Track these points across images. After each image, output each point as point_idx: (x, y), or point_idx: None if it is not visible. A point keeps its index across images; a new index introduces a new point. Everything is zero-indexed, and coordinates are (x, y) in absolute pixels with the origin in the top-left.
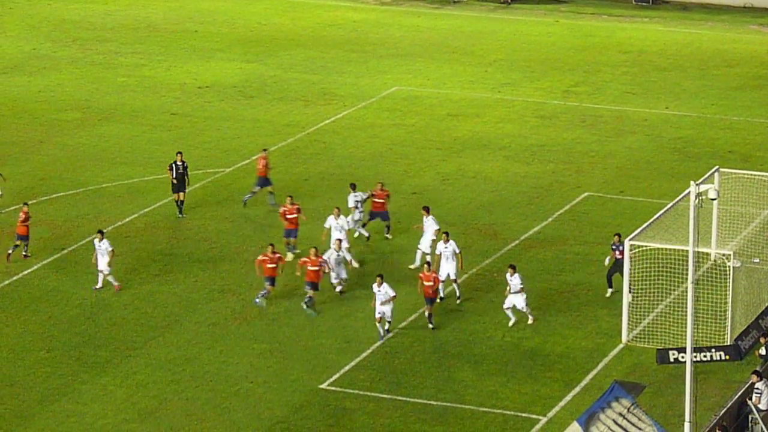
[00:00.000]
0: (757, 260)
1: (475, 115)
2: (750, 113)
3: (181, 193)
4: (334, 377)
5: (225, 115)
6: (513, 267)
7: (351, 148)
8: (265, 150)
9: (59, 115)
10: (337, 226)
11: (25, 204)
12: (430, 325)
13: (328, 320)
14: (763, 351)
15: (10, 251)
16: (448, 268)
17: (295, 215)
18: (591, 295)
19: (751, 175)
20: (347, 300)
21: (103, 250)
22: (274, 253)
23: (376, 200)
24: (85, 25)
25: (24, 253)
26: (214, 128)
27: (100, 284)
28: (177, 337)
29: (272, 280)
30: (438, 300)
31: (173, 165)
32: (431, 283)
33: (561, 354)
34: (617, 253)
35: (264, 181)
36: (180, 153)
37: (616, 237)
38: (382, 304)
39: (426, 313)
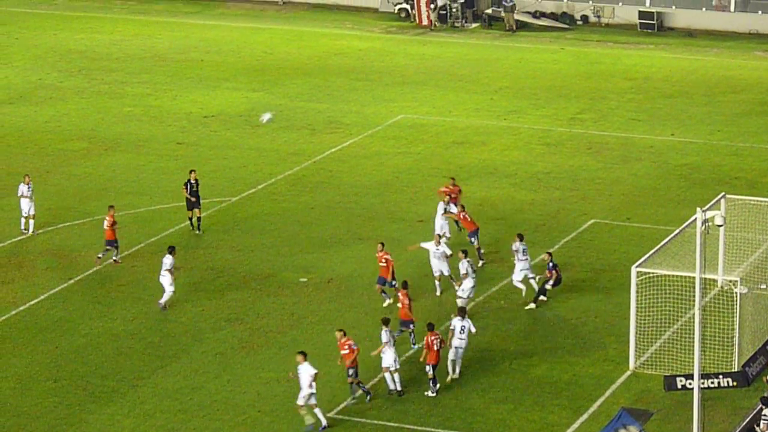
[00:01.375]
0: (764, 286)
1: (481, 143)
2: (756, 139)
3: (197, 210)
4: (342, 406)
5: (231, 144)
6: (520, 236)
7: (357, 177)
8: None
9: (65, 145)
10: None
11: (111, 207)
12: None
13: (335, 349)
14: None
15: (100, 255)
16: (440, 266)
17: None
18: (598, 322)
19: (758, 201)
20: (355, 327)
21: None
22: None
23: (451, 197)
24: (90, 55)
25: (114, 259)
26: (220, 157)
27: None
28: (184, 366)
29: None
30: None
31: (188, 183)
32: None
33: (568, 381)
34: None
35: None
36: (193, 171)
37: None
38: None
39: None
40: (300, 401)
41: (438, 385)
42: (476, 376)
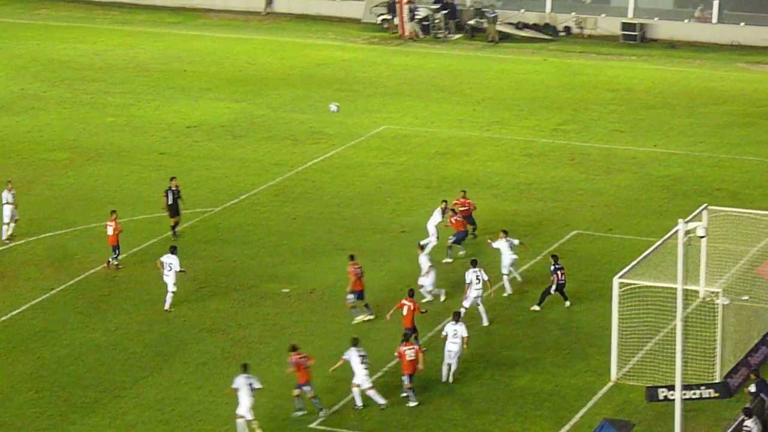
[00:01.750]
0: (746, 297)
1: (463, 154)
2: (738, 151)
3: (177, 217)
4: (321, 419)
5: (213, 154)
6: (505, 232)
7: (339, 187)
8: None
9: (48, 155)
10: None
11: (113, 212)
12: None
13: (318, 359)
14: (752, 388)
15: (110, 259)
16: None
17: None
18: (580, 333)
19: (740, 212)
20: (338, 338)
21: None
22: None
23: (461, 208)
24: (73, 65)
25: (115, 264)
26: (202, 167)
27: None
28: (166, 377)
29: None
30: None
31: (169, 190)
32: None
33: (551, 392)
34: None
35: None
36: (174, 178)
37: (553, 258)
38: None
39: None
40: (247, 415)
41: (413, 399)
42: (458, 387)
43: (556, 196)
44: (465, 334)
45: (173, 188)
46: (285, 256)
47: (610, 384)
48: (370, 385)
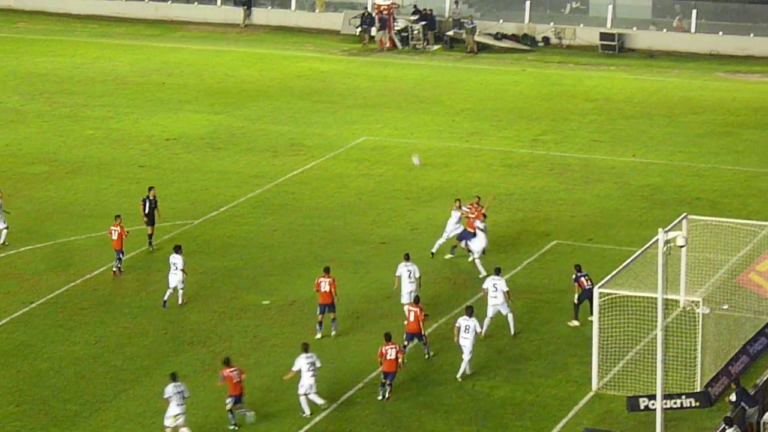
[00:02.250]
0: (725, 306)
1: (443, 165)
2: (717, 160)
3: (150, 226)
4: (305, 428)
5: (193, 166)
6: (484, 215)
7: (319, 199)
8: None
9: (27, 168)
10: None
11: (118, 217)
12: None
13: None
14: (733, 397)
15: (114, 269)
16: (409, 290)
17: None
18: (561, 343)
19: (719, 221)
20: (318, 350)
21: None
22: None
23: (470, 217)
24: (52, 78)
25: (115, 269)
26: (182, 180)
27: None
28: (147, 389)
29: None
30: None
31: (146, 199)
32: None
33: (532, 402)
34: (582, 282)
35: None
36: (152, 188)
37: (576, 268)
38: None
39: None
40: (167, 422)
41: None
42: (439, 398)
43: (536, 207)
44: (479, 330)
45: (150, 198)
46: (265, 268)
47: (591, 394)
48: (314, 391)
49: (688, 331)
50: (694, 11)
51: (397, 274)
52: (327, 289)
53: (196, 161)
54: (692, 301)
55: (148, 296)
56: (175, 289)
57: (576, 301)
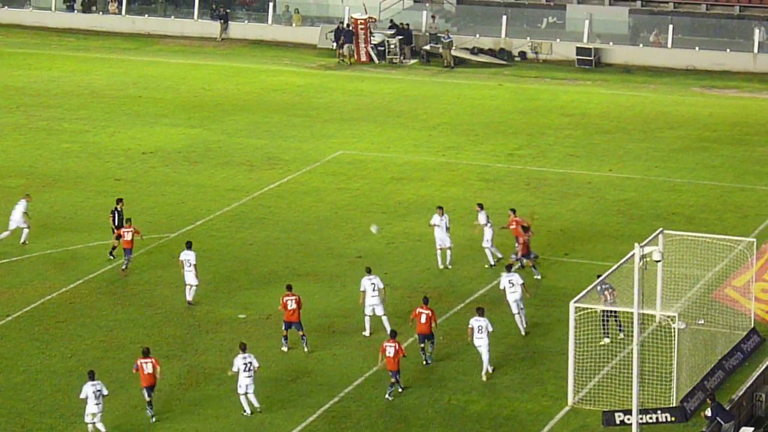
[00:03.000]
0: (701, 321)
1: (419, 179)
2: (693, 175)
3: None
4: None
5: (169, 180)
6: (480, 205)
7: (296, 213)
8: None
9: (3, 181)
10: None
11: (129, 220)
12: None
13: (274, 385)
14: (708, 412)
15: (123, 267)
16: (373, 302)
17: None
18: (536, 358)
19: (695, 236)
20: (293, 363)
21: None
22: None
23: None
24: (28, 91)
25: (124, 267)
26: (158, 193)
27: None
28: (122, 403)
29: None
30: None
31: (115, 211)
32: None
33: (507, 417)
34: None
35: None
36: (121, 200)
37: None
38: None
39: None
40: (87, 418)
41: (393, 390)
42: (415, 412)
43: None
44: (490, 329)
45: (119, 209)
46: (241, 282)
47: (567, 408)
48: (252, 390)
49: (664, 346)
50: (671, 26)
51: (362, 288)
52: (294, 307)
53: (173, 175)
54: (668, 316)
55: (123, 310)
56: (190, 285)
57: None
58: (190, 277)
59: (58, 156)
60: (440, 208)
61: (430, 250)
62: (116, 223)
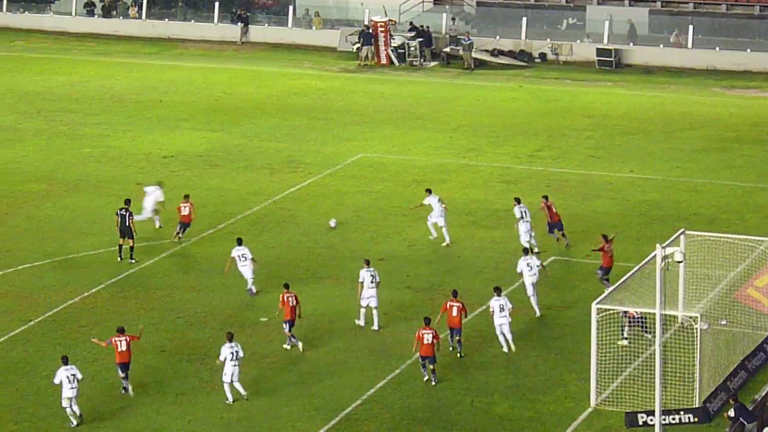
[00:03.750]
0: (724, 322)
1: (440, 181)
2: (715, 175)
3: (130, 240)
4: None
5: (190, 184)
6: (517, 199)
7: (317, 216)
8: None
9: (25, 186)
10: None
11: (186, 196)
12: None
13: (297, 388)
14: (731, 413)
15: (179, 234)
16: (370, 294)
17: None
18: (559, 359)
19: (717, 237)
20: (316, 367)
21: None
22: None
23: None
24: (49, 96)
25: (181, 235)
26: (179, 198)
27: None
28: (145, 407)
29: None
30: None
31: (122, 212)
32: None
33: (530, 419)
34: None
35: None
36: (129, 200)
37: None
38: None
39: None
40: (64, 402)
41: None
42: (437, 414)
43: (533, 223)
44: (510, 306)
45: (126, 211)
46: (263, 285)
47: (590, 410)
48: (237, 379)
49: (687, 347)
50: (691, 27)
51: (360, 279)
52: (294, 303)
53: (194, 179)
54: (690, 317)
55: (146, 314)
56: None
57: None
58: (247, 272)
59: (79, 161)
60: (428, 190)
61: (452, 251)
62: (121, 225)
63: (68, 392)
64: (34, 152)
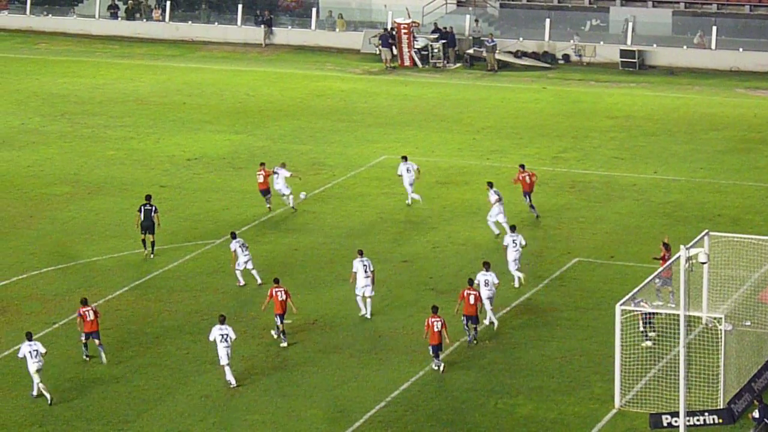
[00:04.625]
0: (748, 323)
1: (464, 183)
2: (738, 176)
3: (150, 235)
4: None
5: (214, 186)
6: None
7: (340, 218)
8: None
9: (49, 189)
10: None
11: (262, 164)
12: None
13: (321, 390)
14: (756, 414)
15: (269, 206)
16: (364, 284)
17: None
18: (583, 361)
19: (741, 238)
20: (340, 368)
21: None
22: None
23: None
24: (73, 99)
25: (268, 206)
26: (203, 200)
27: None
28: (169, 409)
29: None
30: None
31: (145, 208)
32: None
33: (554, 420)
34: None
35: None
36: (150, 196)
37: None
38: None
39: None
40: (35, 378)
41: (441, 363)
42: (462, 416)
43: (558, 224)
44: (496, 281)
45: (149, 206)
46: (286, 287)
47: (614, 411)
48: (228, 362)
49: (711, 348)
50: (714, 28)
51: (354, 269)
52: (284, 298)
53: (218, 181)
54: (714, 318)
55: (170, 317)
56: (245, 270)
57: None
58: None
59: (103, 163)
60: (404, 157)
61: (475, 253)
62: (144, 221)
63: (33, 366)
64: (58, 155)
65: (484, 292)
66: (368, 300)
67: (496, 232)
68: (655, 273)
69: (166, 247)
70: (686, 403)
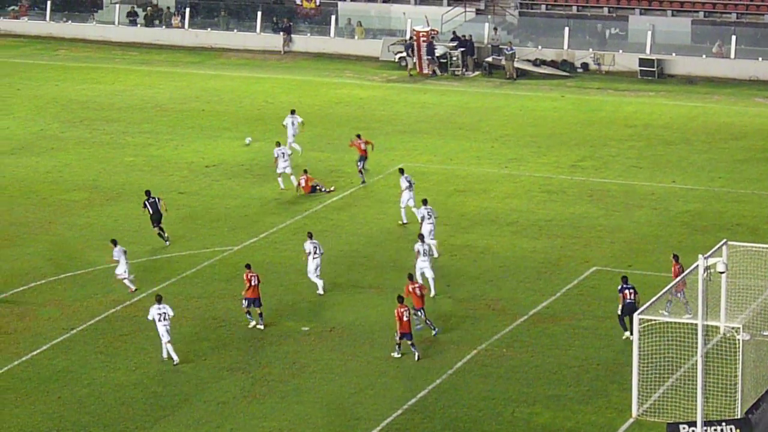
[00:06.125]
0: (766, 333)
1: (482, 191)
2: (757, 186)
3: (160, 225)
4: None
5: (232, 193)
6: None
7: (359, 225)
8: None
9: (67, 195)
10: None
11: (305, 171)
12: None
13: (338, 397)
14: None
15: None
16: (315, 264)
17: None
18: (600, 370)
19: (760, 247)
20: (357, 376)
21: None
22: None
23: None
24: (92, 105)
25: (326, 190)
26: (222, 206)
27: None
28: (186, 416)
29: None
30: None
31: (150, 202)
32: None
33: (571, 429)
34: (626, 294)
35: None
36: (149, 192)
37: (622, 279)
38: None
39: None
40: None
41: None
42: (479, 425)
43: (576, 233)
44: (435, 254)
45: (154, 199)
46: (304, 294)
47: (631, 421)
48: (168, 339)
49: (729, 358)
50: (734, 37)
51: (306, 250)
52: (256, 283)
53: (236, 188)
54: (732, 328)
55: (187, 323)
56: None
57: (619, 313)
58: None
59: (122, 169)
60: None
61: (493, 261)
62: (154, 213)
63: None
64: (77, 161)
65: (420, 263)
66: (319, 282)
67: (405, 221)
68: (670, 285)
69: (184, 253)
70: (704, 412)
